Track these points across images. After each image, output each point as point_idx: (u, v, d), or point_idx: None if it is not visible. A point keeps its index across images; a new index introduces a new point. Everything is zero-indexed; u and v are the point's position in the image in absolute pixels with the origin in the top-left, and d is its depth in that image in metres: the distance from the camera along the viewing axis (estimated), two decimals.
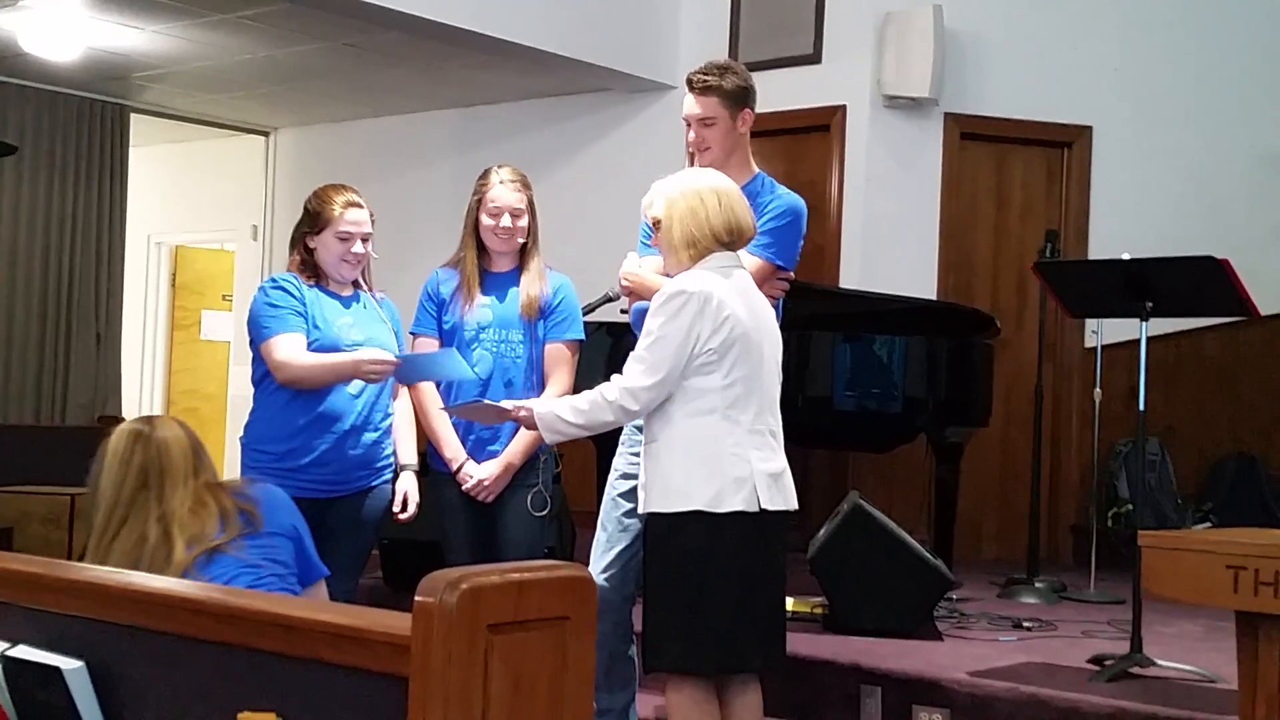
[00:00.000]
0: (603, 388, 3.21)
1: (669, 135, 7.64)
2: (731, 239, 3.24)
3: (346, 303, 3.81)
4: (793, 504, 3.26)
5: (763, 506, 3.15)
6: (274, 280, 3.79)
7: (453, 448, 3.85)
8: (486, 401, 3.58)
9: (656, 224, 3.30)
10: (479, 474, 3.80)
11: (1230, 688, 3.52)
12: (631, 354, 3.21)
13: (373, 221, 3.80)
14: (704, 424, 3.15)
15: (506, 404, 3.43)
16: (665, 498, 3.17)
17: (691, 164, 3.73)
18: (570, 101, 8.26)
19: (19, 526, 6.28)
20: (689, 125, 3.72)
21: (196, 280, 10.41)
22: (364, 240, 3.76)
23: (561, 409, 3.26)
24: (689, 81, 3.71)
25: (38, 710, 1.80)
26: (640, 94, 7.88)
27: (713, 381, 3.15)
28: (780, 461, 3.25)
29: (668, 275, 3.36)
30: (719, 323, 3.13)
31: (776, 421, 3.28)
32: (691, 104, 3.69)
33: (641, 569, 3.39)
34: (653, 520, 3.22)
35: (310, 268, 3.78)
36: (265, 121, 9.75)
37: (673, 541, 3.17)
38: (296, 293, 3.72)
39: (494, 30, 6.86)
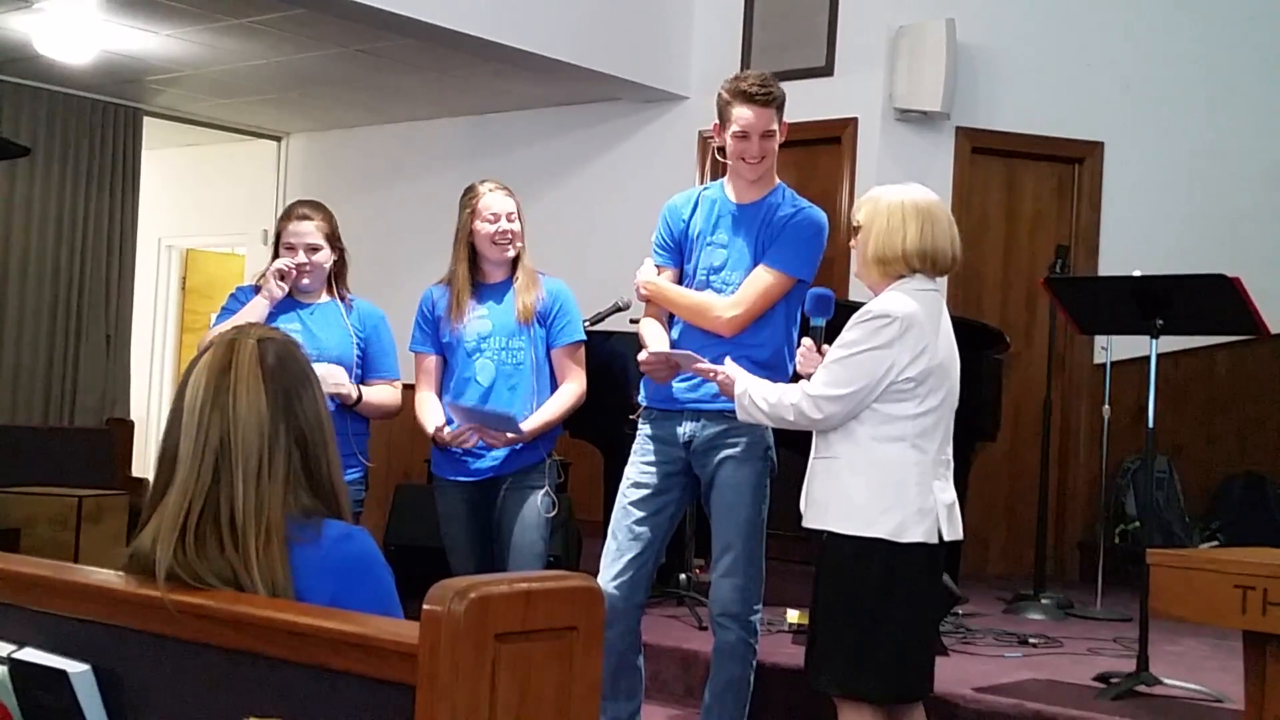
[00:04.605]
0: (790, 388, 3.17)
1: (680, 145, 7.65)
2: (924, 266, 3.16)
3: (294, 309, 3.90)
4: (961, 533, 3.21)
5: (942, 538, 3.13)
6: (236, 291, 4.00)
7: (434, 422, 3.93)
8: (686, 352, 3.54)
9: (857, 229, 3.22)
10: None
11: (1237, 708, 3.51)
12: (822, 363, 3.16)
13: (330, 235, 3.91)
14: (892, 451, 3.10)
15: (707, 366, 3.39)
16: (847, 520, 3.11)
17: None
18: (582, 110, 8.27)
19: (26, 528, 6.28)
20: (746, 137, 3.62)
21: (207, 284, 10.45)
22: (310, 251, 3.87)
23: (755, 392, 3.22)
24: (748, 94, 3.60)
25: (43, 714, 1.80)
26: (652, 104, 7.89)
27: (905, 409, 3.10)
28: (953, 491, 3.21)
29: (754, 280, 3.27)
30: (918, 351, 3.08)
31: (951, 450, 3.24)
32: (755, 116, 3.60)
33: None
34: (831, 540, 3.15)
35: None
36: (277, 127, 9.77)
37: (851, 565, 3.12)
38: (247, 302, 3.89)
39: (507, 39, 6.87)
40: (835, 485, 3.15)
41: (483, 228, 3.92)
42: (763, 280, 3.63)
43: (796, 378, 3.40)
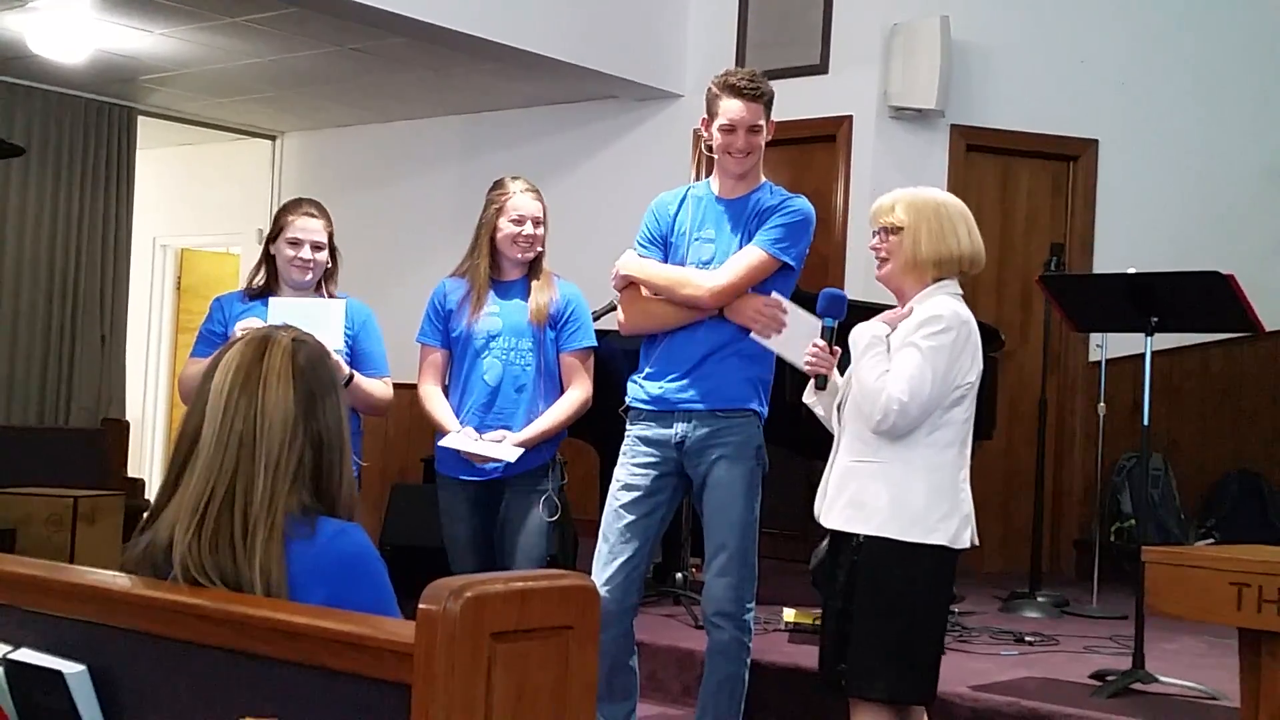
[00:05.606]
0: (889, 385, 3.04)
1: (675, 143, 7.65)
2: (973, 267, 3.19)
3: None
4: None
5: (973, 542, 3.14)
6: (212, 304, 3.93)
7: (449, 422, 3.90)
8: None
9: (893, 230, 3.17)
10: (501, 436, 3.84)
11: (1233, 705, 3.51)
12: (904, 373, 3.05)
13: (331, 235, 3.89)
14: (946, 456, 3.09)
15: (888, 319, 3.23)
16: (906, 526, 3.05)
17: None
18: (577, 109, 8.26)
19: (22, 528, 6.28)
20: (733, 130, 3.63)
21: (201, 283, 10.43)
22: (315, 248, 3.85)
23: (876, 351, 3.10)
24: (736, 87, 3.62)
25: (39, 714, 1.80)
26: (647, 102, 7.89)
27: (958, 414, 3.10)
28: None
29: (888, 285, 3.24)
30: (975, 357, 3.11)
31: None
32: (743, 110, 3.61)
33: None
34: (878, 543, 3.08)
35: (269, 277, 3.90)
36: (272, 126, 9.76)
37: (899, 570, 3.07)
38: (221, 315, 3.86)
39: (501, 37, 6.87)
40: (887, 490, 3.07)
41: (508, 227, 3.90)
42: (749, 255, 3.63)
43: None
